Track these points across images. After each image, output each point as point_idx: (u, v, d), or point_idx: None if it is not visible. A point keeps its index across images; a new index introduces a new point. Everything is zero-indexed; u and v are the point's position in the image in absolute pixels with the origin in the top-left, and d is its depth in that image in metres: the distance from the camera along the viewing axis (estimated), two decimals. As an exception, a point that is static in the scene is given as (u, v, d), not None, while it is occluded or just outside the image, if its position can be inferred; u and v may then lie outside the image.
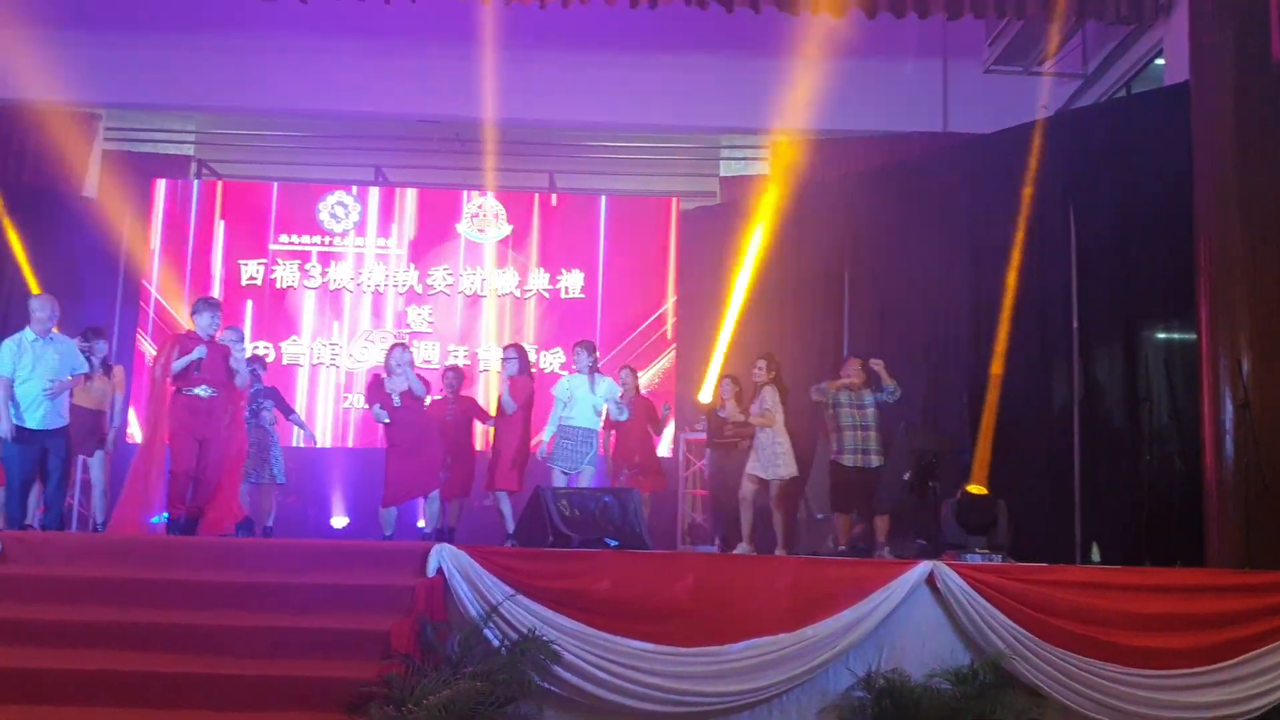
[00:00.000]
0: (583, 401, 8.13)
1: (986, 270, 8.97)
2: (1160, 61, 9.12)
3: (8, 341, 7.07)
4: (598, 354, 8.45)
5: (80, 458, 7.99)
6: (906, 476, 7.60)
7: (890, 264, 9.77)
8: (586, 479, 8.08)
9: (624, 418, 8.41)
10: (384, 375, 8.03)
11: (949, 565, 6.13)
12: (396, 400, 7.85)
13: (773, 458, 8.11)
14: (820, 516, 9.54)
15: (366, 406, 8.33)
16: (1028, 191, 8.57)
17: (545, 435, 8.14)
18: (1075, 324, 8.39)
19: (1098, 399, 8.35)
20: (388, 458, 8.00)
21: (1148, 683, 5.87)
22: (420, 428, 8.00)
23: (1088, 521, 7.98)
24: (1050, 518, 8.06)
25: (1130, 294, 8.26)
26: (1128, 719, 5.81)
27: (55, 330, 7.18)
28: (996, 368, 8.37)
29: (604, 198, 11.56)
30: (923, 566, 6.10)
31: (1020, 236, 8.57)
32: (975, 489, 7.49)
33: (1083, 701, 5.81)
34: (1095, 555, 7.66)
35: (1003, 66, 10.20)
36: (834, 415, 8.04)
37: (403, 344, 8.57)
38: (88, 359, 7.46)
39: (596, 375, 8.20)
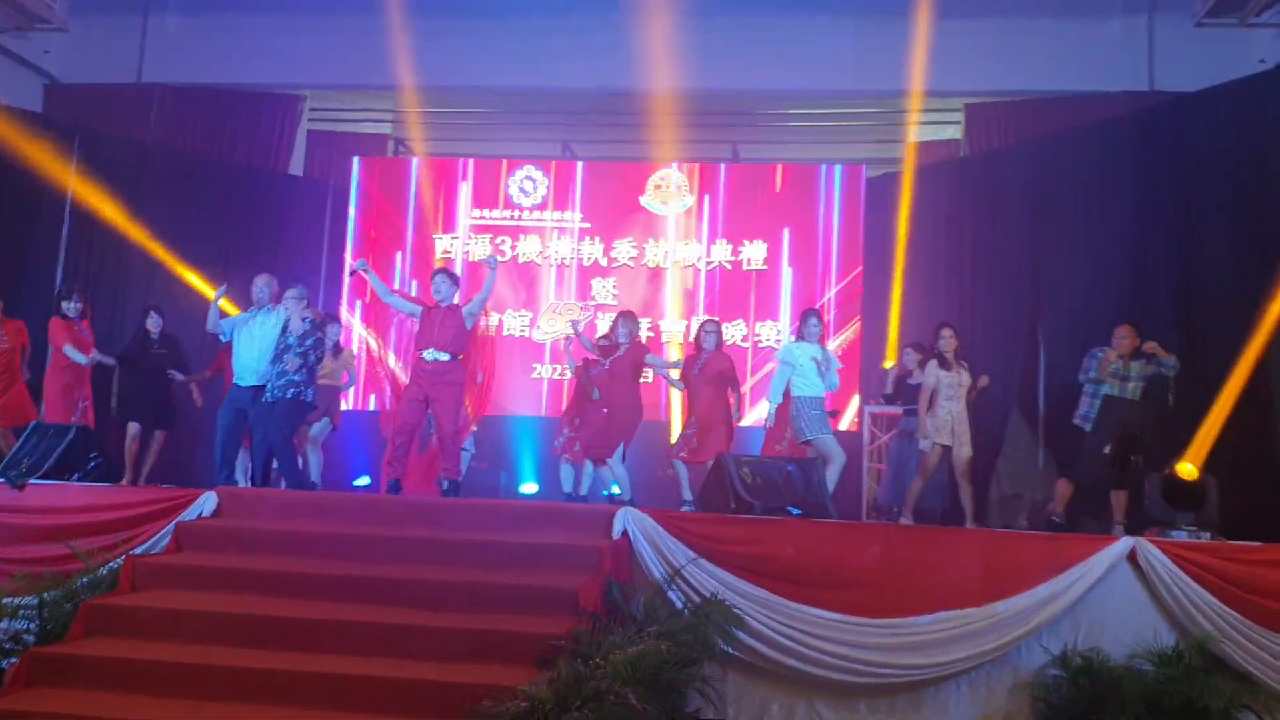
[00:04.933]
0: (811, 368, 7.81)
1: (1194, 235, 8.45)
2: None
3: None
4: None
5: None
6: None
7: (1090, 228, 9.30)
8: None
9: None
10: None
11: (1152, 542, 5.87)
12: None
13: (965, 432, 7.87)
14: (1016, 494, 9.26)
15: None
16: (1245, 150, 8.03)
17: (772, 404, 7.90)
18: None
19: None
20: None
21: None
22: None
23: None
24: (1265, 495, 7.53)
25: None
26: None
27: (272, 305, 7.76)
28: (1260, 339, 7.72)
29: (785, 166, 11.43)
30: (1124, 543, 5.87)
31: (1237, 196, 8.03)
32: (1184, 469, 7.02)
33: (1301, 690, 5.47)
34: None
35: (1215, 19, 9.60)
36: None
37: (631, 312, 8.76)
38: (320, 340, 7.87)
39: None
